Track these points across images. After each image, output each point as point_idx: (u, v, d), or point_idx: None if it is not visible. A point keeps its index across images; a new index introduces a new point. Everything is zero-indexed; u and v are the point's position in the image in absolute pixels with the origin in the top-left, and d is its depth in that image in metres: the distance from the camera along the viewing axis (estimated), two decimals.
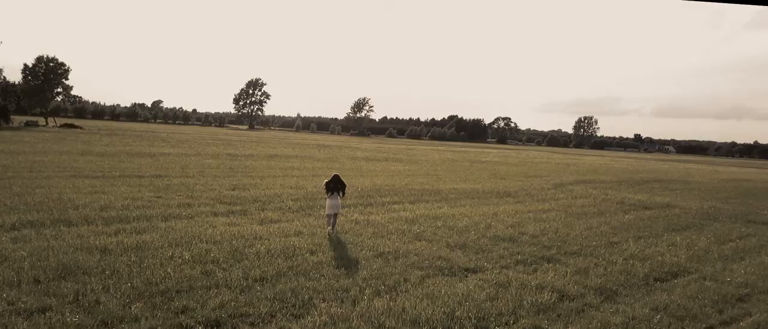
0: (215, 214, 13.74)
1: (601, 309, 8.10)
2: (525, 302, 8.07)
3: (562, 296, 8.54)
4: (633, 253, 11.98)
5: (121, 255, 9.21)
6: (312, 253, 10.22)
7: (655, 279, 9.98)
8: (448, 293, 8.22)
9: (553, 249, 11.98)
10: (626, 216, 17.86)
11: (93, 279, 7.81)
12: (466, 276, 9.37)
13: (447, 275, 9.37)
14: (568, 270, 10.12)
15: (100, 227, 11.26)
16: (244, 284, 8.08)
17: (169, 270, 8.48)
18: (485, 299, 8.08)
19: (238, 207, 14.93)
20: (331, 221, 12.24)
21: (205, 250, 9.80)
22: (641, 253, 12.04)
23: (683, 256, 12.01)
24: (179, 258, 9.21)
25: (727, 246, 13.63)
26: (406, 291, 8.26)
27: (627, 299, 8.71)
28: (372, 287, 8.34)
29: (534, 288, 8.75)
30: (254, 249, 10.15)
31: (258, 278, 8.41)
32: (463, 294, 8.19)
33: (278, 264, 9.27)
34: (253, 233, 11.50)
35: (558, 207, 19.11)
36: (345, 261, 9.75)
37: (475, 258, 10.68)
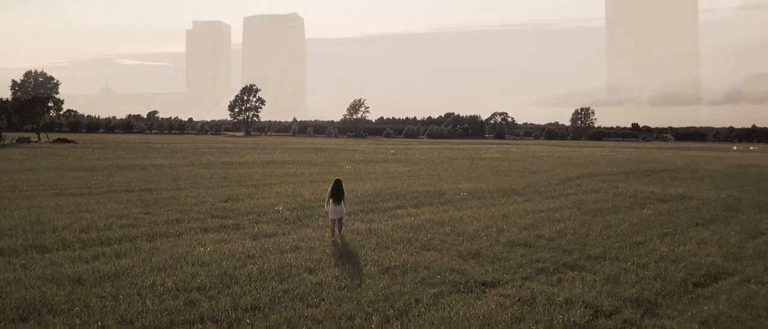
0: (205, 230, 12.69)
1: (644, 327, 7.08)
2: (555, 322, 7.05)
3: (596, 312, 7.51)
4: (663, 254, 10.93)
5: (96, 285, 8.18)
6: (310, 272, 9.20)
7: (695, 285, 8.94)
8: (467, 315, 7.19)
9: (575, 253, 10.95)
10: (644, 211, 16.83)
11: (58, 319, 6.79)
12: (485, 292, 8.34)
13: (463, 291, 8.34)
14: (597, 279, 9.09)
15: (77, 252, 10.22)
16: (233, 315, 7.06)
17: (147, 302, 7.46)
18: (510, 321, 7.05)
19: (230, 221, 13.89)
20: (337, 226, 12.11)
21: (191, 275, 8.77)
22: (672, 254, 10.99)
23: (718, 255, 10.97)
24: (161, 286, 8.18)
25: (760, 241, 12.59)
26: (418, 316, 7.22)
27: (669, 311, 7.68)
28: (379, 312, 7.31)
29: (563, 304, 7.72)
30: (246, 270, 9.11)
31: (249, 307, 7.39)
32: (484, 316, 7.16)
33: (272, 287, 8.24)
34: (246, 251, 10.46)
35: (570, 204, 18.08)
36: (347, 280, 8.72)
37: (492, 268, 9.65)
